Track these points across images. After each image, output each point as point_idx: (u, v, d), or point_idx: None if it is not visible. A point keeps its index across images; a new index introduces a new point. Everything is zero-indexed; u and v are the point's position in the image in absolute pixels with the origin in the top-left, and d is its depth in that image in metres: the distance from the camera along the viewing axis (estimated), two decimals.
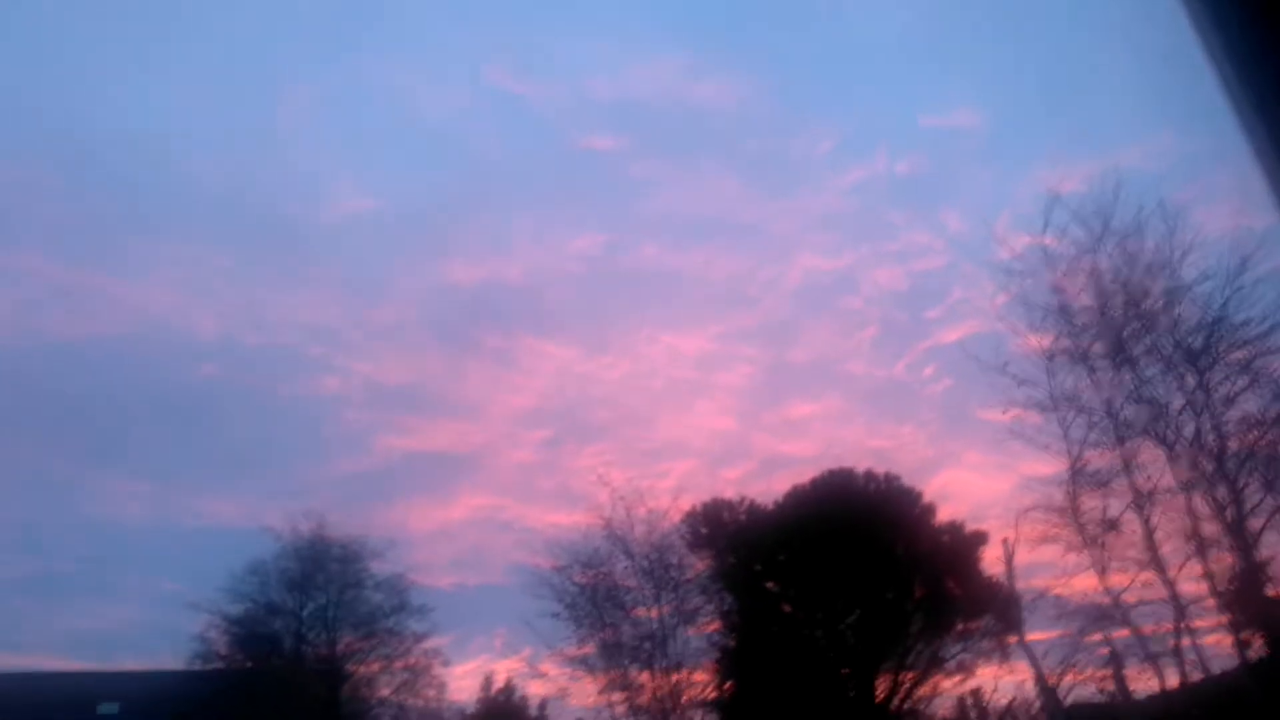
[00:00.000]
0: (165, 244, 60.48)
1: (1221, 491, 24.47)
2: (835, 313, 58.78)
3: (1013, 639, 31.59)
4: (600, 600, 38.32)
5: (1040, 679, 29.39)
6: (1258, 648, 23.41)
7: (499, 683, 50.76)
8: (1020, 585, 30.34)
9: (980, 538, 35.00)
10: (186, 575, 50.91)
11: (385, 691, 45.65)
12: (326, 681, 43.36)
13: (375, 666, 45.35)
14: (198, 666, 42.51)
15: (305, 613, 44.78)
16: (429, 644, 44.76)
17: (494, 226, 66.89)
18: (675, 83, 61.00)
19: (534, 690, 47.14)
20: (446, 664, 45.98)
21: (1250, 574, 23.63)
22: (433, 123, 66.86)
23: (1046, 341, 27.55)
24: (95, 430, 60.02)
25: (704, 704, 37.05)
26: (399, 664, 45.11)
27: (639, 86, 63.35)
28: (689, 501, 39.04)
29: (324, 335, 65.14)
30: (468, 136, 66.27)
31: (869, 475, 36.24)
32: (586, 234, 65.77)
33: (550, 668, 39.26)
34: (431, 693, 45.69)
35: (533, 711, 49.16)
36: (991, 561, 34.34)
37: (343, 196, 63.85)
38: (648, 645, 37.65)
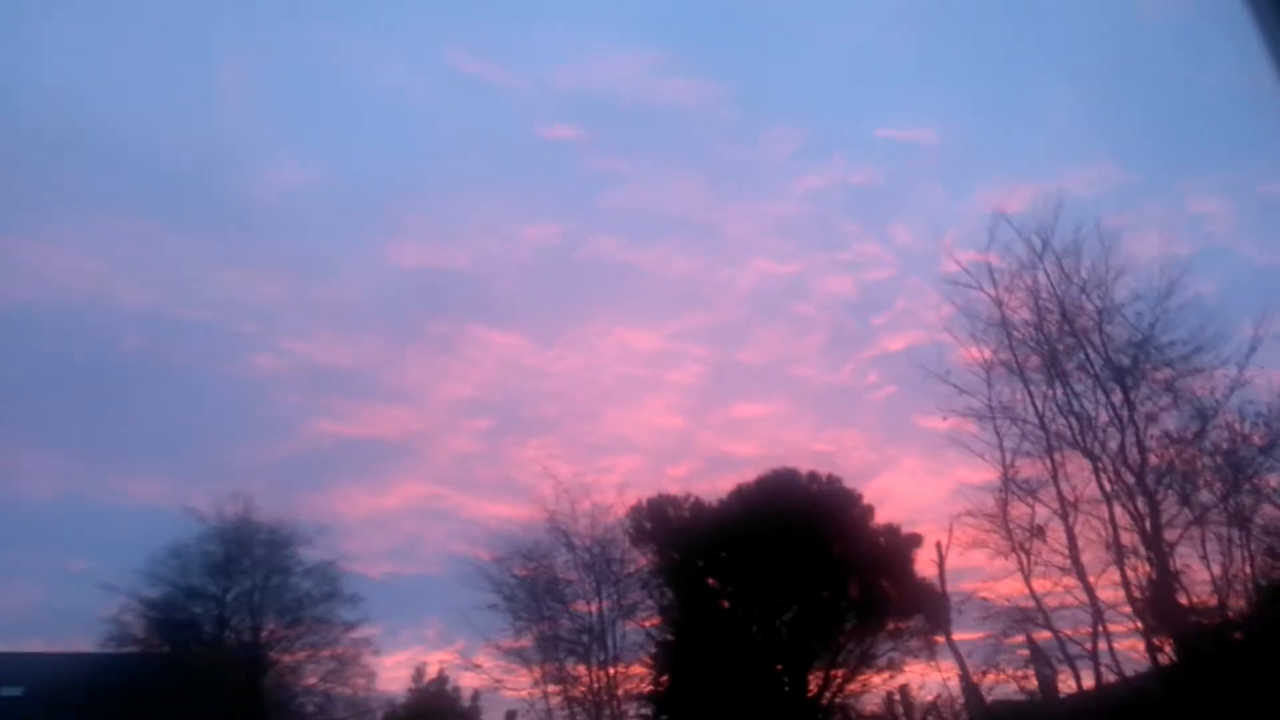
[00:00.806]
0: (87, 209, 59.22)
1: (1141, 503, 26.04)
2: (786, 317, 60.50)
3: (940, 638, 33.36)
4: (540, 593, 38.96)
5: (965, 677, 31.10)
6: (1168, 653, 25.06)
7: (431, 674, 51.11)
8: (950, 587, 32.07)
9: (915, 540, 36.99)
10: (101, 556, 50.26)
11: (311, 680, 45.42)
12: (248, 669, 43.12)
13: (301, 655, 45.24)
14: (112, 649, 42.34)
15: (229, 598, 44.54)
16: (359, 633, 44.77)
17: (445, 210, 66.95)
18: (640, 79, 61.90)
19: (467, 682, 47.66)
20: (377, 653, 45.98)
21: (1164, 583, 25.27)
22: (386, 99, 66.61)
23: (986, 353, 29.08)
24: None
25: (640, 697, 38.12)
26: (326, 652, 44.96)
27: (603, 80, 64.08)
28: (634, 497, 40.12)
29: (258, 313, 64.71)
30: (422, 116, 66.20)
31: (811, 476, 37.90)
32: (541, 223, 66.29)
33: (485, 659, 39.81)
34: (360, 682, 45.70)
35: (465, 703, 49.67)
36: (924, 563, 36.05)
37: (284, 170, 63.34)
38: (586, 638, 38.53)
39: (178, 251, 62.06)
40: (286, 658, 45.41)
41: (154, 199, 62.71)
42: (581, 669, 38.79)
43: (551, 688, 38.93)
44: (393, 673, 54.30)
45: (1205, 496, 25.99)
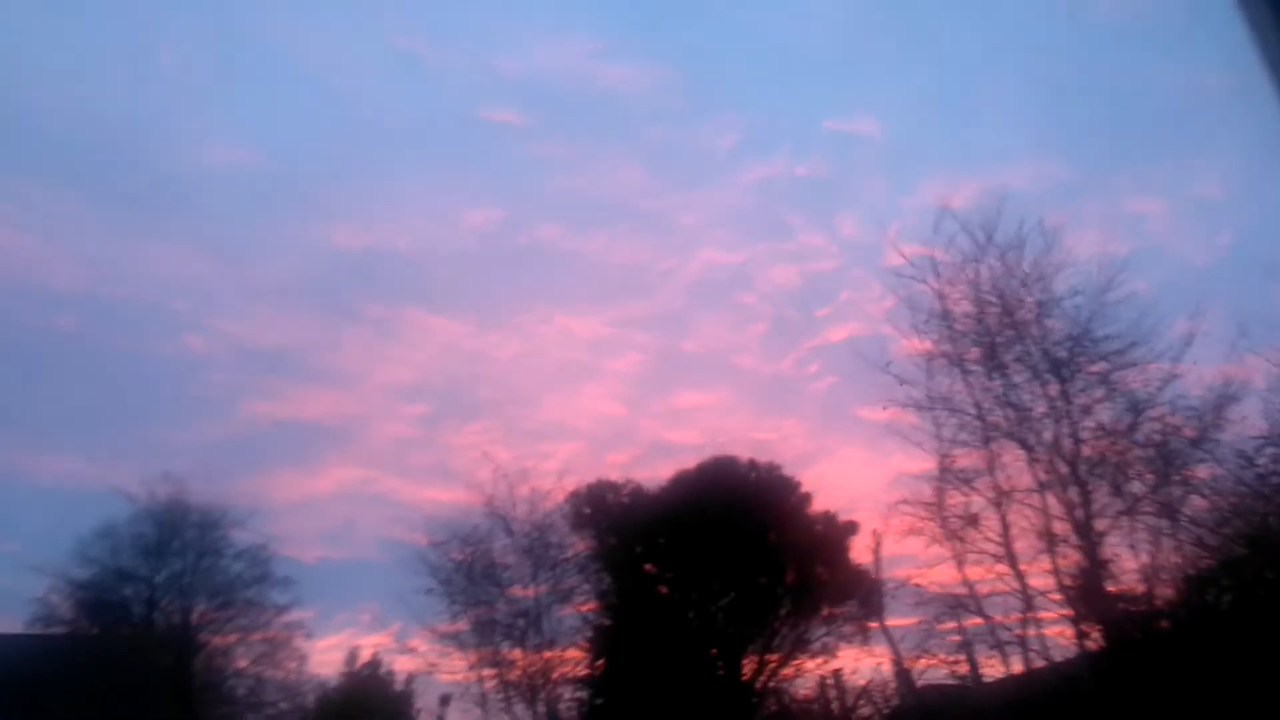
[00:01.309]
0: (8, 183, 57.05)
1: (1073, 493, 26.36)
2: (729, 307, 60.53)
3: (874, 624, 33.86)
4: (476, 577, 38.78)
5: (897, 662, 31.55)
6: (1096, 640, 25.48)
7: (364, 657, 50.58)
8: (885, 574, 32.44)
9: (851, 528, 37.22)
10: (29, 537, 49.14)
11: (242, 663, 45.36)
12: (178, 651, 42.68)
13: (232, 637, 45.08)
14: (38, 631, 41.60)
15: (159, 579, 44.12)
16: (291, 616, 44.79)
17: (384, 191, 65.95)
18: (584, 64, 61.19)
19: (401, 665, 47.39)
20: (309, 637, 45.99)
21: (1093, 571, 25.62)
22: (326, 79, 65.05)
23: (927, 345, 29.28)
24: None
25: (575, 681, 38.00)
26: (258, 636, 44.88)
27: (547, 64, 63.33)
28: (573, 483, 39.89)
29: (191, 292, 63.29)
30: (363, 95, 64.99)
31: (751, 464, 37.83)
32: (483, 208, 65.47)
33: (420, 643, 39.87)
34: (292, 665, 45.78)
35: (398, 686, 49.28)
36: (860, 551, 36.50)
37: (219, 147, 61.69)
38: (522, 622, 38.39)
39: (107, 228, 60.28)
40: (217, 640, 45.11)
41: (81, 174, 60.68)
42: (517, 653, 38.69)
43: (487, 671, 38.89)
44: (325, 656, 53.83)
45: (1136, 487, 26.34)
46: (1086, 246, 28.36)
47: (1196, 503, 25.55)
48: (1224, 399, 25.47)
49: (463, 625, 39.07)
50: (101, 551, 42.52)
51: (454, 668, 39.33)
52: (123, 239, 61.26)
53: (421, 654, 40.02)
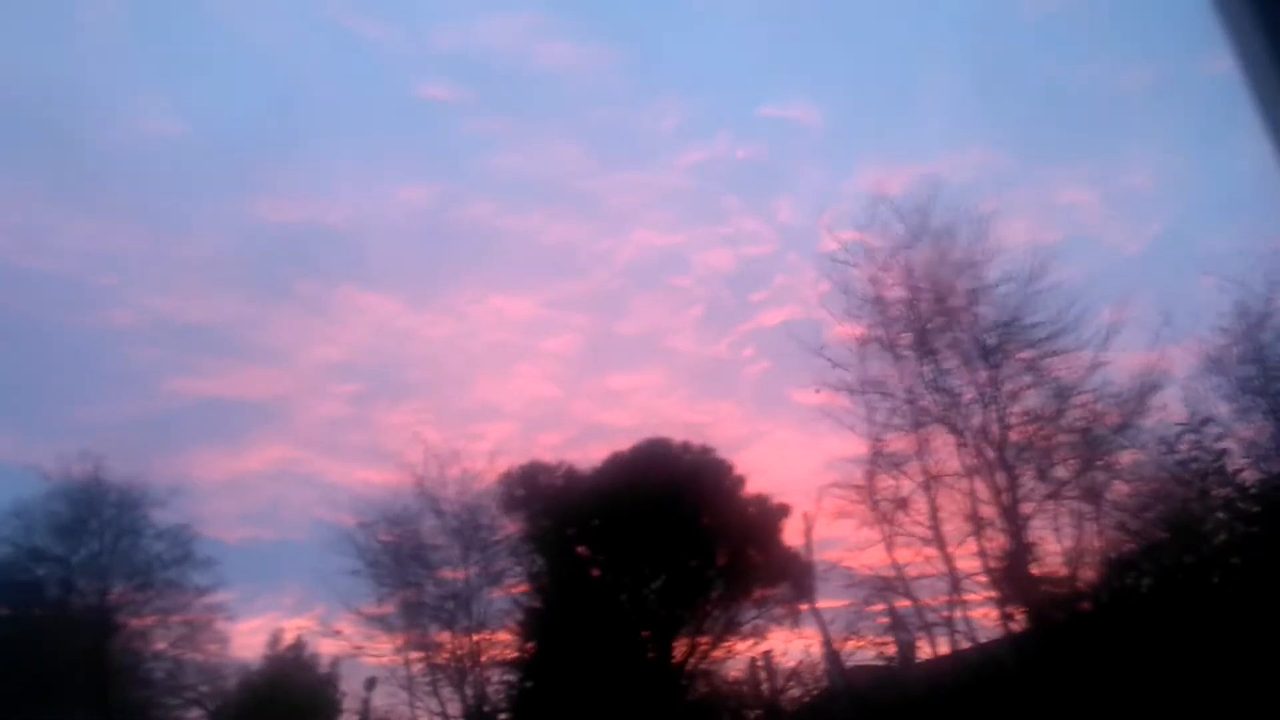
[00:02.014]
0: None
1: (1000, 478, 26.67)
2: (665, 289, 60.32)
3: (804, 606, 33.92)
4: (405, 558, 38.23)
5: (827, 644, 31.63)
6: (1020, 621, 25.80)
7: (288, 640, 49.67)
8: (815, 557, 32.52)
9: (783, 510, 37.13)
10: None
11: (161, 645, 44.38)
12: (94, 633, 41.49)
13: (151, 619, 44.00)
14: None
15: (75, 560, 42.96)
16: (213, 598, 43.87)
17: (316, 166, 64.35)
18: (523, 41, 60.45)
19: (325, 648, 46.62)
20: (231, 619, 45.13)
21: (1018, 554, 25.90)
22: (258, 49, 63.33)
23: (861, 330, 29.36)
24: None
25: (505, 664, 37.67)
26: (177, 618, 43.91)
27: (484, 40, 62.24)
28: (506, 464, 39.42)
29: (116, 265, 61.26)
30: (296, 68, 63.33)
31: (685, 446, 37.60)
32: (417, 184, 64.35)
33: (345, 626, 39.21)
34: (213, 648, 44.93)
35: (323, 670, 48.58)
36: (792, 533, 36.46)
37: (146, 117, 59.67)
38: (451, 605, 37.95)
39: (28, 198, 58.03)
40: (135, 622, 44.00)
41: (1, 143, 58.23)
42: (445, 635, 38.31)
43: (414, 654, 38.51)
44: (248, 639, 52.65)
45: (1061, 472, 26.66)
46: (1018, 234, 28.67)
47: (1119, 488, 26.04)
48: (1147, 387, 25.99)
49: (390, 608, 38.66)
50: (14, 531, 41.40)
51: (380, 651, 38.94)
52: (45, 210, 59.37)
53: (347, 637, 39.48)
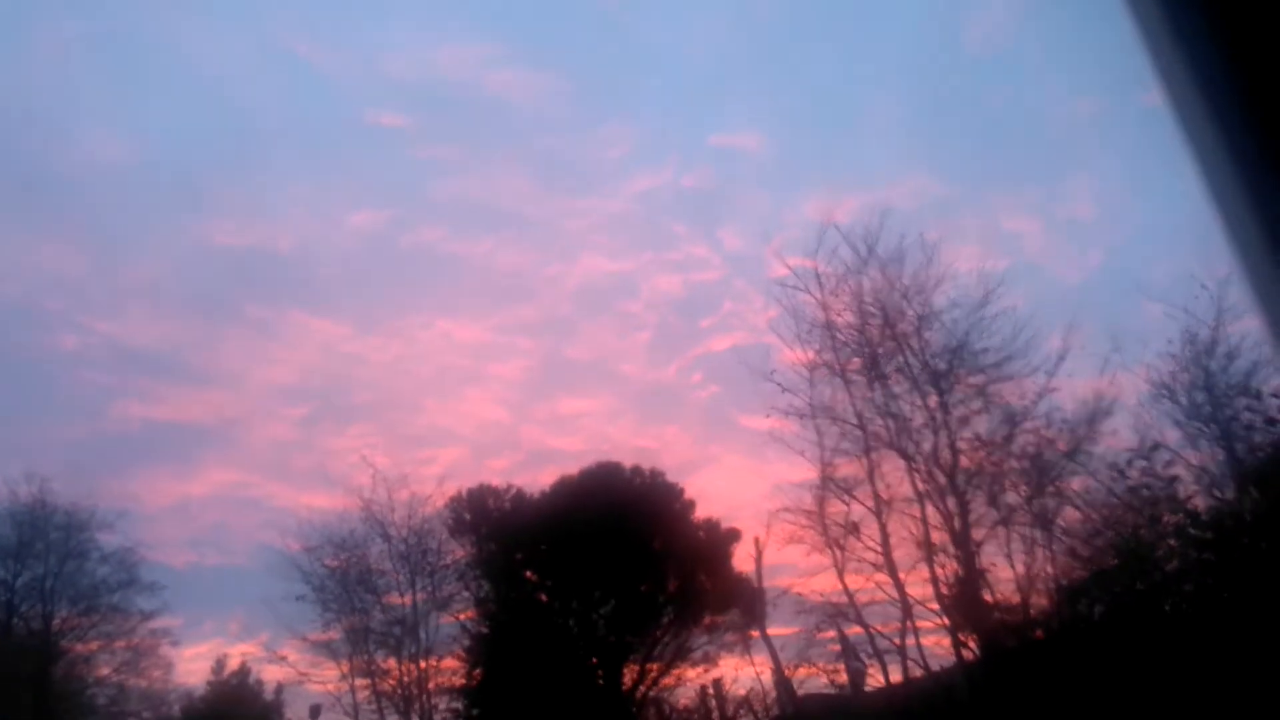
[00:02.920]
0: None
1: (951, 503, 26.16)
2: (613, 314, 59.27)
3: (755, 633, 32.95)
4: (351, 584, 37.11)
5: (777, 671, 30.85)
6: (972, 649, 25.17)
7: (232, 666, 48.21)
8: (766, 582, 31.72)
9: (733, 535, 36.27)
10: None
11: (104, 671, 43.10)
12: (37, 658, 40.22)
13: (95, 644, 42.65)
14: None
15: (18, 583, 41.44)
16: (157, 623, 42.40)
17: (266, 191, 62.85)
18: (473, 69, 59.47)
19: (270, 675, 45.23)
20: (176, 645, 43.78)
21: (970, 581, 25.39)
22: (208, 75, 62.10)
23: (810, 355, 28.82)
24: None
25: (452, 691, 36.57)
26: (122, 643, 42.60)
27: (435, 68, 61.32)
28: (454, 488, 38.51)
29: (63, 288, 59.55)
30: (246, 94, 61.89)
31: (635, 470, 36.72)
32: (367, 210, 63.23)
33: (290, 652, 37.85)
34: (157, 674, 43.64)
35: (267, 696, 47.05)
36: (742, 559, 35.64)
37: (97, 142, 58.00)
38: (398, 631, 36.83)
39: None
40: (79, 647, 42.66)
41: None
42: (392, 662, 37.20)
43: (360, 681, 37.28)
44: (192, 665, 51.02)
45: (1011, 498, 26.18)
46: (965, 261, 28.14)
47: (1070, 514, 25.58)
48: (1096, 413, 25.51)
49: (335, 634, 37.50)
50: None
51: (325, 677, 37.61)
52: None
53: (292, 663, 38.08)
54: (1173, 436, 24.57)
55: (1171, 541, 21.78)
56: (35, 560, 41.39)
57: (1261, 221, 1.39)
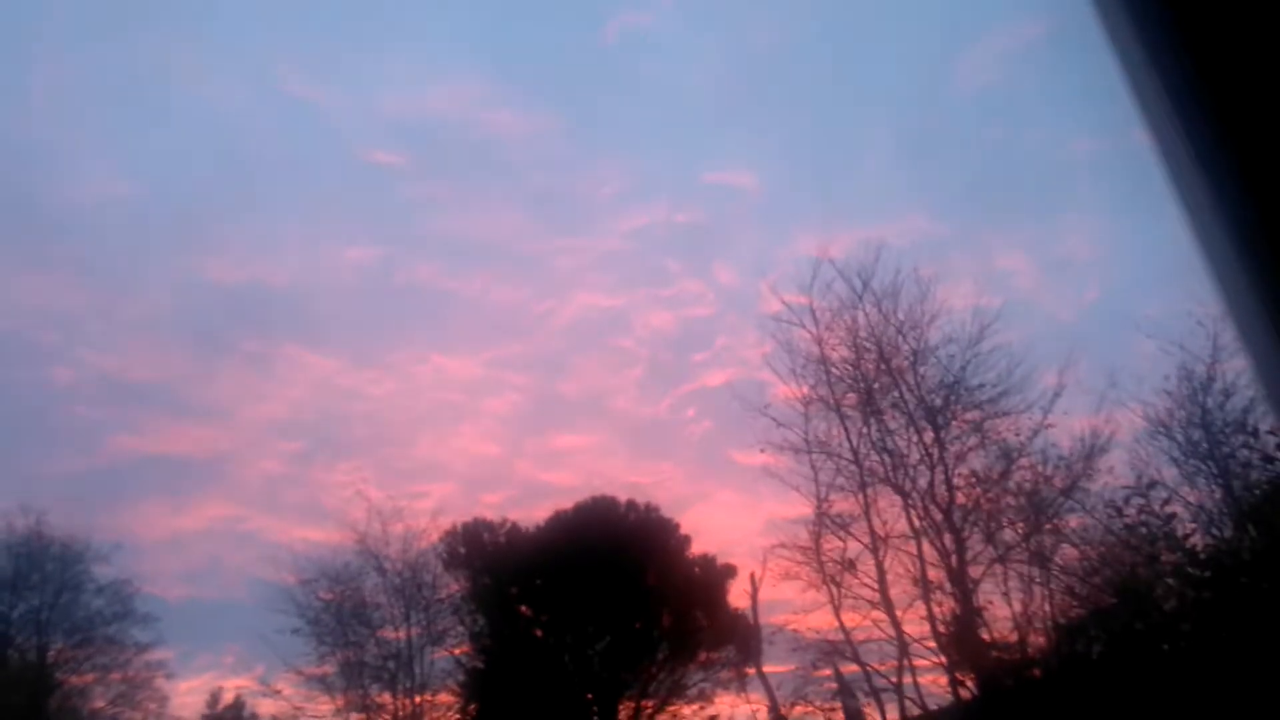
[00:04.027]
0: None
1: (948, 540, 25.78)
2: (606, 350, 58.69)
3: (751, 670, 32.32)
4: (346, 617, 36.49)
5: (773, 708, 30.20)
6: (970, 688, 24.63)
7: (227, 699, 47.28)
8: (762, 619, 31.16)
9: (729, 571, 35.53)
10: None
11: (99, 704, 42.19)
12: (31, 690, 39.32)
13: (90, 676, 41.88)
14: None
15: (14, 615, 40.79)
16: (152, 656, 41.58)
17: (262, 227, 62.11)
18: (468, 109, 59.34)
19: (265, 709, 44.46)
20: (170, 678, 42.94)
21: (967, 619, 24.92)
22: (207, 115, 61.85)
23: (805, 389, 28.50)
24: None
25: None
26: (117, 675, 41.79)
27: (431, 108, 61.23)
28: (448, 523, 37.94)
29: (60, 323, 59.06)
30: (242, 132, 61.57)
31: (630, 505, 36.13)
32: (361, 246, 62.88)
33: (285, 686, 36.93)
34: (152, 707, 42.71)
35: None
36: (737, 595, 34.98)
37: (95, 177, 57.60)
38: (392, 665, 36.18)
39: None
40: (74, 679, 41.86)
41: None
42: (386, 697, 36.33)
43: (355, 716, 36.45)
44: (186, 699, 49.97)
45: (1008, 535, 25.82)
46: (959, 299, 27.83)
47: (1067, 551, 25.19)
48: (1093, 450, 25.13)
49: (330, 668, 36.60)
50: None
51: (320, 712, 36.70)
52: None
53: (286, 697, 37.09)
54: (1170, 474, 24.21)
55: (1169, 580, 21.31)
56: (31, 592, 40.90)
57: (1245, 265, 1.37)
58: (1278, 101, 1.32)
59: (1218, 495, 23.67)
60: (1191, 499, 23.67)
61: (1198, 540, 21.89)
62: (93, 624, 41.43)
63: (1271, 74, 1.34)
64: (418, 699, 36.07)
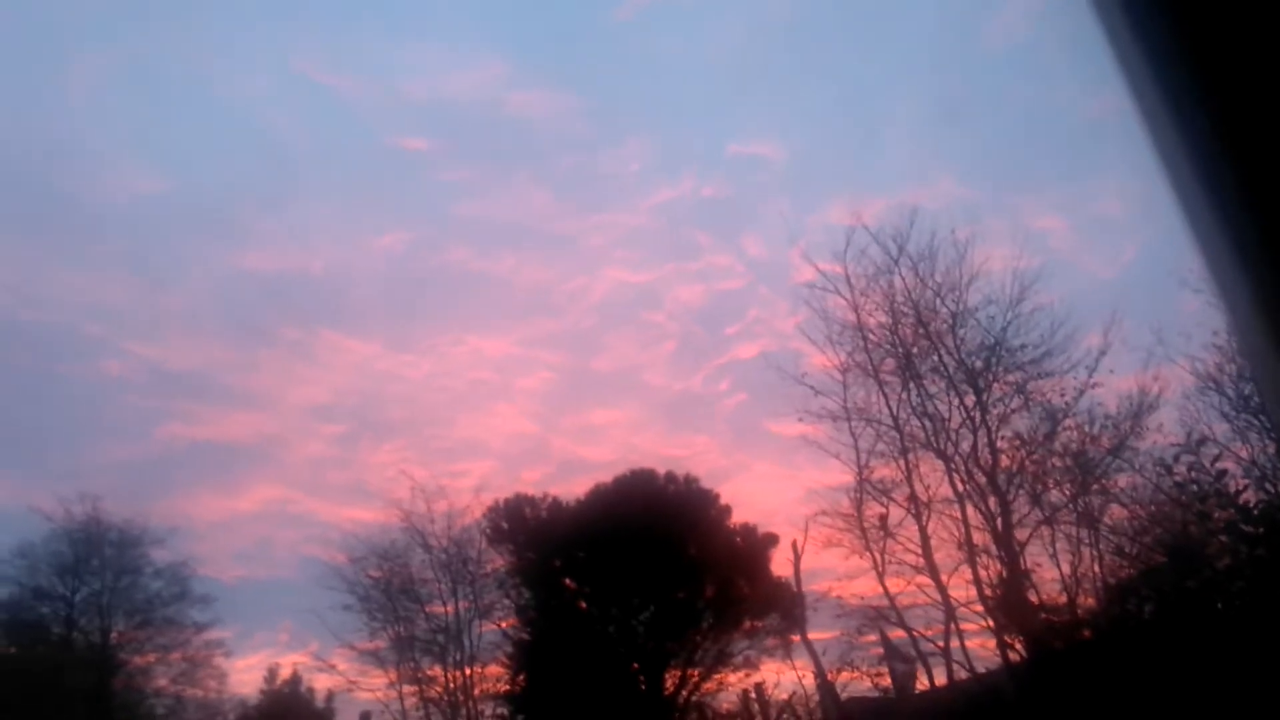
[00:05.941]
0: None
1: (992, 503, 25.08)
2: (638, 325, 58.57)
3: (796, 637, 31.94)
4: (395, 593, 36.99)
5: (819, 675, 29.80)
6: (1018, 651, 24.08)
7: (284, 675, 48.01)
8: (805, 587, 30.71)
9: (771, 540, 35.17)
10: None
11: (162, 682, 42.88)
12: (97, 671, 40.17)
13: (151, 657, 42.55)
14: None
15: (77, 599, 41.49)
16: (210, 635, 42.26)
17: (296, 217, 62.41)
18: (493, 91, 58.96)
19: (321, 683, 45.23)
20: (229, 656, 43.57)
21: (1015, 582, 24.30)
22: (240, 108, 61.94)
23: (841, 357, 27.82)
24: None
25: (497, 697, 36.11)
26: (177, 655, 42.39)
27: (456, 92, 61.09)
28: (490, 499, 38.09)
29: (106, 316, 59.69)
30: (273, 125, 61.54)
31: (669, 477, 35.78)
32: (393, 232, 63.23)
33: (339, 661, 37.91)
34: (212, 684, 43.32)
35: (319, 704, 46.84)
36: (780, 563, 34.63)
37: (133, 175, 58.12)
38: (442, 639, 36.72)
39: (20, 253, 56.59)
40: (136, 660, 42.57)
41: None
42: (437, 669, 37.02)
43: (407, 688, 37.18)
44: (245, 675, 50.94)
45: (1055, 497, 25.16)
46: (996, 261, 26.93)
47: (1116, 512, 24.51)
48: (1140, 408, 24.32)
49: (382, 643, 37.39)
50: (18, 571, 39.74)
51: (374, 685, 37.63)
52: (37, 264, 57.52)
53: (341, 672, 38.17)
54: (1221, 429, 23.33)
55: (1222, 538, 20.50)
56: (92, 576, 41.58)
57: (1245, 265, 1.28)
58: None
59: (1270, 450, 22.78)
60: (1243, 454, 22.83)
61: (1250, 496, 21.03)
62: (152, 606, 42.14)
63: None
64: (468, 671, 36.55)
